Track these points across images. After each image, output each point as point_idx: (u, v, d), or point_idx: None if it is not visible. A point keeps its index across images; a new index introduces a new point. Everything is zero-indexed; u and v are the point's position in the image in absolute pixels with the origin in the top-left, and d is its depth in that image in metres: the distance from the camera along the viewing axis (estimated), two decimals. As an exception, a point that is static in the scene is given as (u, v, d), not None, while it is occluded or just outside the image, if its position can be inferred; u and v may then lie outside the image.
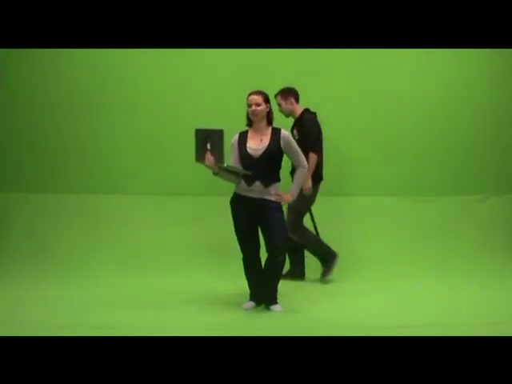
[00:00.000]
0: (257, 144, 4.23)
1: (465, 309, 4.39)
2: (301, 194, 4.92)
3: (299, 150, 4.28)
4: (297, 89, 5.36)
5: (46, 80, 6.01)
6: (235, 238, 4.35)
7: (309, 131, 5.23)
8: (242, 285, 4.55)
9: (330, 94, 6.06)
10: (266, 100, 4.26)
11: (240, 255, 4.37)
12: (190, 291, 4.90)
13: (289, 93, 5.35)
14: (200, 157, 4.14)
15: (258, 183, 4.18)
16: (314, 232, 5.49)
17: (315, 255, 5.39)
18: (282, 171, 4.30)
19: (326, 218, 6.04)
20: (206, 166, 4.13)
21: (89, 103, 6.01)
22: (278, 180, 4.26)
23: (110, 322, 3.90)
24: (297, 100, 5.37)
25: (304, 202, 5.25)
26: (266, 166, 4.17)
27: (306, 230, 5.41)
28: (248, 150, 4.22)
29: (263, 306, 4.37)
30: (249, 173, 4.13)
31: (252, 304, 4.40)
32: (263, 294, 4.36)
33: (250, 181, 4.19)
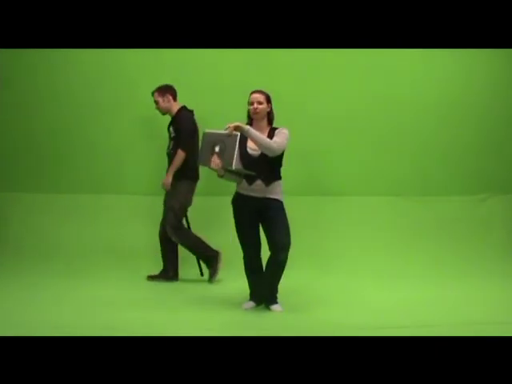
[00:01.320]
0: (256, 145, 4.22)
1: (465, 309, 4.39)
2: (175, 191, 5.11)
3: (285, 139, 4.15)
4: (175, 86, 5.31)
5: (43, 81, 6.01)
6: (235, 237, 4.35)
7: (183, 129, 5.18)
8: (242, 285, 4.55)
9: (330, 94, 6.06)
10: (268, 100, 4.27)
11: (240, 254, 4.38)
12: (190, 291, 4.91)
13: (166, 90, 5.28)
14: (204, 159, 4.13)
15: (259, 182, 4.18)
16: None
17: (198, 258, 5.31)
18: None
19: (326, 218, 6.06)
20: (211, 168, 4.14)
21: (88, 103, 6.01)
22: (279, 178, 4.26)
23: (109, 322, 3.89)
24: (174, 97, 5.30)
25: (179, 200, 5.21)
26: (266, 165, 4.17)
27: (187, 231, 5.31)
28: (248, 149, 4.22)
29: (263, 305, 4.37)
30: (253, 173, 4.13)
31: (252, 304, 4.40)
32: (263, 293, 4.36)
33: (251, 180, 4.19)
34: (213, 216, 5.88)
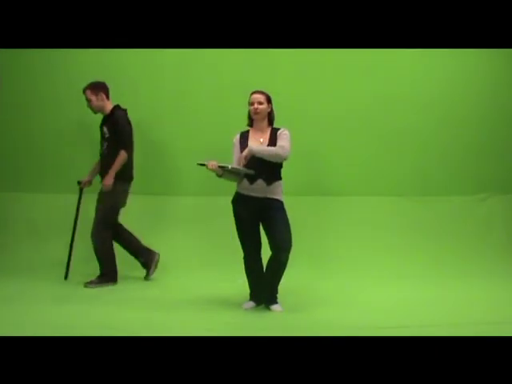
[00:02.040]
0: (257, 144, 4.24)
1: (465, 309, 4.40)
2: (112, 193, 5.01)
3: (288, 140, 4.20)
4: (107, 84, 5.21)
5: (43, 81, 6.00)
6: (235, 237, 4.36)
7: (121, 129, 5.08)
8: (242, 285, 4.56)
9: (330, 94, 6.06)
10: (268, 100, 4.29)
11: (240, 255, 4.38)
12: (190, 291, 4.90)
13: (99, 88, 5.14)
14: (204, 162, 4.18)
15: (260, 182, 4.19)
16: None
17: (99, 262, 5.11)
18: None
19: (326, 218, 6.05)
20: (209, 169, 4.15)
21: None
22: (280, 178, 4.27)
23: (109, 322, 3.89)
24: (107, 95, 5.17)
25: (112, 201, 5.10)
26: (267, 165, 4.18)
27: (109, 238, 5.14)
28: (249, 149, 4.24)
29: (263, 305, 4.37)
30: (252, 172, 4.15)
31: (252, 304, 4.40)
32: (263, 293, 4.37)
33: (252, 180, 4.20)
34: (213, 216, 5.87)
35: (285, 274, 4.27)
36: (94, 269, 5.12)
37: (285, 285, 4.39)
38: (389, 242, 5.95)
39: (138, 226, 5.93)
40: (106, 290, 4.92)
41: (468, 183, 6.25)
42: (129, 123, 5.20)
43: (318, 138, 6.02)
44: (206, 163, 4.15)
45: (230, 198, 4.37)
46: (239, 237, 4.35)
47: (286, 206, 4.28)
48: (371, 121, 6.11)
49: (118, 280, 5.17)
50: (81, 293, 4.83)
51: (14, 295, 4.67)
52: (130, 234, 5.35)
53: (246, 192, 4.26)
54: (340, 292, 4.94)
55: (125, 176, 5.15)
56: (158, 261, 5.34)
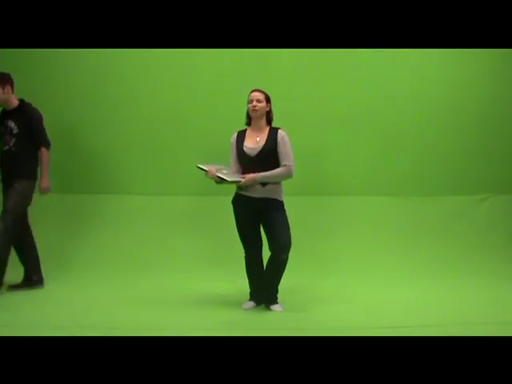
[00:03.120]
0: (254, 143, 4.25)
1: (464, 309, 4.40)
2: (21, 193, 4.77)
3: (291, 152, 4.23)
4: (12, 76, 4.99)
5: (46, 80, 6.00)
6: (235, 237, 4.36)
7: (39, 125, 4.89)
8: (242, 285, 4.56)
9: (330, 94, 6.06)
10: (267, 99, 4.30)
11: (240, 255, 4.38)
12: (190, 291, 4.91)
13: (6, 80, 4.87)
14: (204, 165, 4.21)
15: (256, 182, 4.20)
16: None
17: (23, 264, 5.01)
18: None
19: (326, 218, 6.05)
20: (207, 176, 4.19)
21: (90, 103, 6.00)
22: (277, 179, 4.28)
23: (109, 322, 3.90)
24: (13, 89, 4.92)
25: (24, 202, 4.87)
26: (263, 165, 4.18)
27: (12, 241, 4.85)
28: (245, 148, 4.25)
29: (263, 305, 4.37)
30: (241, 179, 4.17)
31: (252, 304, 4.40)
32: (264, 293, 4.37)
33: (248, 181, 4.21)
34: (213, 216, 5.87)
35: (285, 273, 4.27)
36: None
37: (285, 285, 4.39)
38: (388, 242, 5.94)
39: (138, 226, 5.95)
40: (105, 290, 4.91)
41: (468, 183, 6.24)
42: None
43: (318, 138, 6.01)
44: (206, 169, 4.17)
45: (230, 198, 4.38)
46: (240, 237, 4.36)
47: (286, 206, 4.28)
48: (371, 121, 6.10)
49: (117, 280, 5.18)
50: (79, 293, 4.83)
51: (13, 295, 4.68)
52: (34, 245, 5.10)
53: (245, 192, 4.26)
54: (340, 292, 4.94)
55: (34, 175, 4.93)
56: (31, 286, 4.93)
